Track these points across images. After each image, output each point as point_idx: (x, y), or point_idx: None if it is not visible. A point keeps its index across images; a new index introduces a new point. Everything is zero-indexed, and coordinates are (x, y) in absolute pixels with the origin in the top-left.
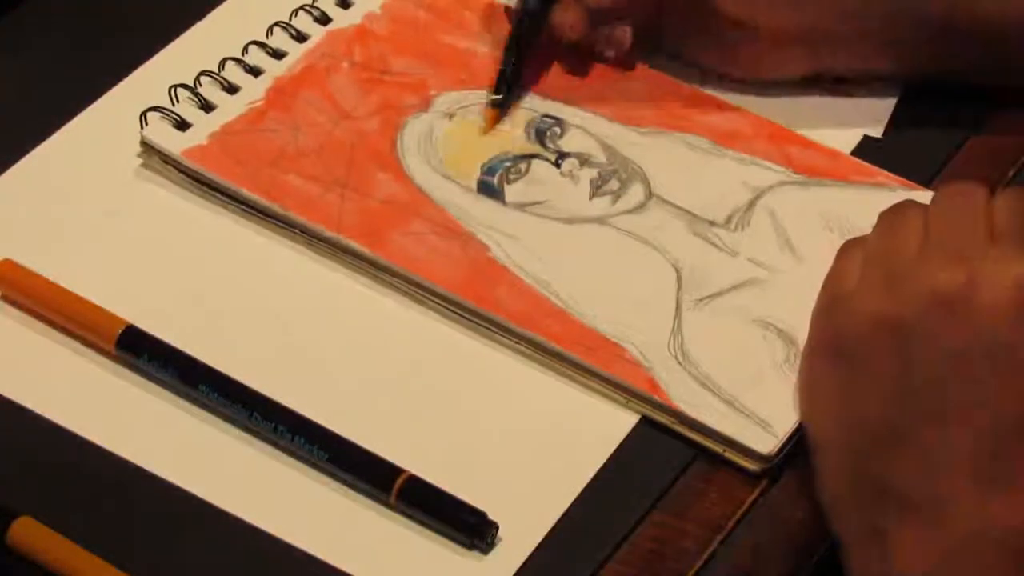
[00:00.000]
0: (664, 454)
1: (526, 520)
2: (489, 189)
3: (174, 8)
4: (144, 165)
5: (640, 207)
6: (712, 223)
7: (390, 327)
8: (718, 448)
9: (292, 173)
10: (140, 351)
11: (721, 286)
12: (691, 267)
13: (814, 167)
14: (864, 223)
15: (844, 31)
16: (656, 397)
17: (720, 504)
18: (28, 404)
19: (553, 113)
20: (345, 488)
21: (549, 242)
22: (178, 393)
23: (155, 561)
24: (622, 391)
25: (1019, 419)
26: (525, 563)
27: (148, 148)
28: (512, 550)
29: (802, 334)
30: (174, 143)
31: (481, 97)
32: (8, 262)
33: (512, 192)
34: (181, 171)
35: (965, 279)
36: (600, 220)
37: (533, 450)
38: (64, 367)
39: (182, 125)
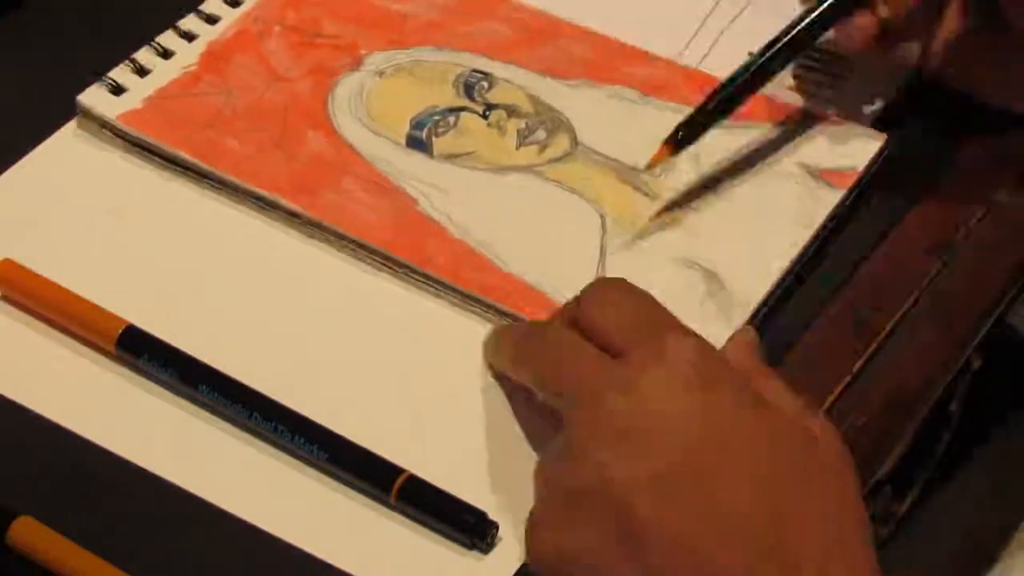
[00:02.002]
0: None
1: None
2: (418, 143)
3: (175, 6)
4: (81, 128)
5: (566, 156)
6: (635, 169)
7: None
8: None
9: (228, 135)
10: (140, 351)
11: (644, 230)
12: (616, 213)
13: (742, 112)
14: (787, 160)
15: None
16: None
17: None
18: (28, 404)
19: (482, 68)
20: (345, 488)
21: (477, 193)
22: (178, 393)
23: (155, 561)
24: None
25: None
26: (525, 563)
27: (86, 113)
28: (512, 550)
29: (722, 269)
30: (110, 108)
31: (412, 55)
32: (8, 262)
33: (440, 144)
34: (118, 135)
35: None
36: (527, 169)
37: (533, 450)
38: (64, 367)
39: (117, 90)
